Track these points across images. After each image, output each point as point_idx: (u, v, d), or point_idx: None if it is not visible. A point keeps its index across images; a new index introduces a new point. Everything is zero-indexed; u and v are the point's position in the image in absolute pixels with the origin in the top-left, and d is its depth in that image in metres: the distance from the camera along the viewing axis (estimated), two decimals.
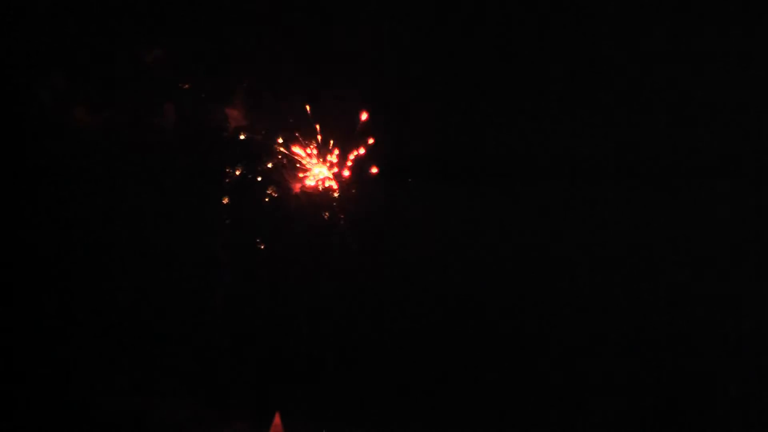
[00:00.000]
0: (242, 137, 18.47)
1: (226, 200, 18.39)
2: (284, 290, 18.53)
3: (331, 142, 18.61)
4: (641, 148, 18.22)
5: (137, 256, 18.17)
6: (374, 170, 18.29)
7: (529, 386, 17.84)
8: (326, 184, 18.72)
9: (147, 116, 18.27)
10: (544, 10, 18.32)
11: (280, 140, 18.56)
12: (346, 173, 18.67)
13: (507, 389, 17.83)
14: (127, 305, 18.06)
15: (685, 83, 18.10)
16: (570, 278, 18.22)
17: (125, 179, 18.24)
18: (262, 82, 18.51)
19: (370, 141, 18.53)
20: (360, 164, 18.62)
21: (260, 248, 18.57)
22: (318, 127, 18.54)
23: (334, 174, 18.68)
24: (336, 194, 18.64)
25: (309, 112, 18.36)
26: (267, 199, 18.50)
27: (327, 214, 18.62)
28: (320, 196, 18.66)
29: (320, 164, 18.67)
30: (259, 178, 18.55)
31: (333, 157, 18.66)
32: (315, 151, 18.66)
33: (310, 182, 18.67)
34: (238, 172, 18.29)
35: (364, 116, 18.28)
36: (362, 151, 18.55)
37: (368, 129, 18.50)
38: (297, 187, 18.65)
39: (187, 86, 18.32)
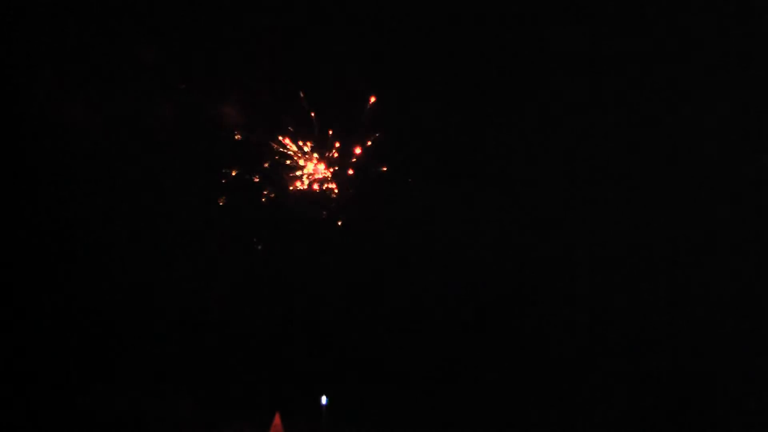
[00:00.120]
0: (240, 136, 18.44)
1: (221, 201, 18.37)
2: (284, 290, 18.53)
3: (330, 140, 18.62)
4: (641, 148, 18.22)
5: (137, 256, 18.17)
6: (383, 169, 18.27)
7: (529, 386, 17.84)
8: (325, 183, 18.71)
9: (143, 115, 18.24)
10: (544, 9, 18.32)
11: (279, 138, 18.54)
12: (347, 172, 18.67)
13: (507, 389, 17.83)
14: (127, 305, 18.05)
15: (685, 83, 18.11)
16: (570, 278, 18.22)
17: (123, 179, 18.24)
18: (261, 80, 18.49)
19: (369, 143, 18.53)
20: (360, 164, 18.62)
21: (259, 248, 18.57)
22: (317, 126, 18.54)
23: (332, 172, 18.67)
24: (335, 193, 18.63)
25: (309, 112, 18.36)
26: (264, 199, 18.48)
27: (325, 213, 18.61)
28: (319, 195, 18.66)
29: (319, 163, 18.66)
30: (257, 179, 18.54)
31: (332, 155, 18.64)
32: (313, 150, 18.65)
33: (308, 181, 18.66)
34: (234, 173, 18.26)
35: (372, 99, 18.25)
36: (358, 151, 18.55)
37: (368, 129, 18.51)
38: (295, 186, 18.64)
39: (183, 85, 18.28)
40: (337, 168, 18.64)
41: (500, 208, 18.40)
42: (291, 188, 18.47)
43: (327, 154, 18.62)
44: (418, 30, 18.48)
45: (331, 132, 18.49)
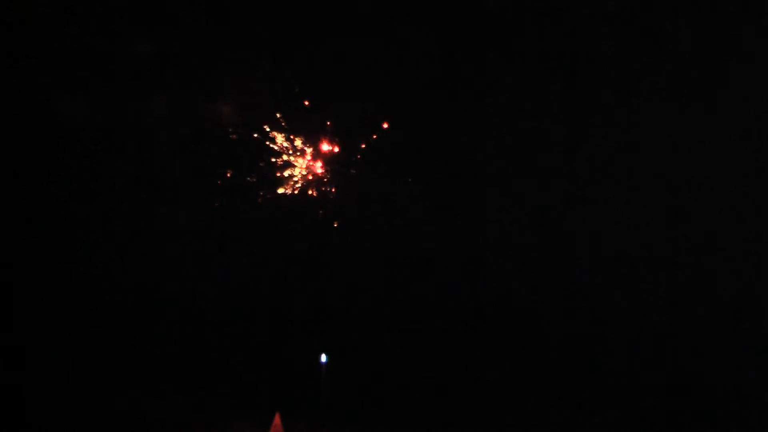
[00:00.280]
0: (236, 136, 18.41)
1: (217, 203, 18.36)
2: (284, 290, 18.52)
3: (331, 139, 18.60)
4: (641, 148, 18.22)
5: (137, 256, 18.16)
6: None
7: (529, 386, 17.84)
8: (324, 183, 18.70)
9: (138, 113, 18.20)
10: (544, 9, 18.32)
11: (275, 137, 18.52)
12: (345, 170, 18.65)
13: (507, 389, 17.82)
14: (127, 305, 18.05)
15: (685, 83, 18.11)
16: (570, 278, 18.22)
17: (121, 178, 18.22)
18: (260, 79, 18.48)
19: (367, 141, 18.53)
20: (359, 163, 18.61)
21: (258, 248, 18.56)
22: (315, 125, 18.53)
23: (331, 171, 18.66)
24: (331, 194, 18.62)
25: (306, 109, 18.33)
26: (260, 201, 18.45)
27: (323, 212, 18.59)
28: (317, 194, 18.65)
29: (314, 161, 18.63)
30: (254, 178, 18.51)
31: (332, 150, 18.61)
32: (312, 149, 18.63)
33: (306, 180, 18.64)
34: (228, 175, 18.23)
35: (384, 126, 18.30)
36: (362, 146, 18.55)
37: (368, 126, 18.50)
38: (292, 185, 18.61)
39: (179, 82, 18.22)
40: (333, 167, 18.60)
41: (500, 208, 18.40)
42: (283, 189, 18.42)
43: (323, 151, 18.55)
44: (417, 29, 18.48)
45: (329, 123, 18.44)
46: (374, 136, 18.37)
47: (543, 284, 18.28)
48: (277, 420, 16.96)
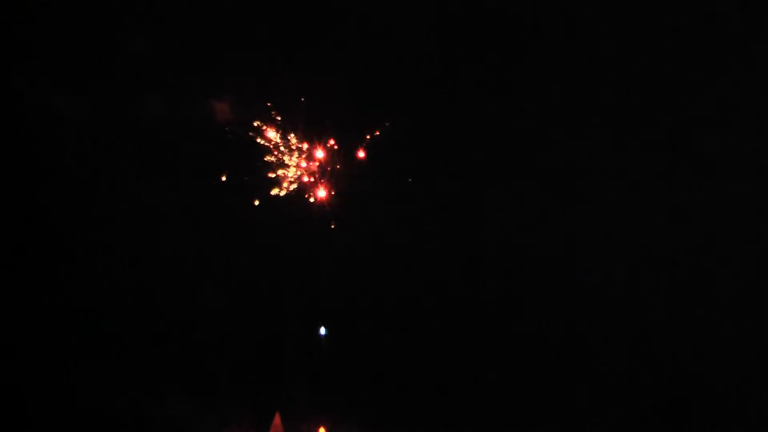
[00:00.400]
0: (233, 135, 18.39)
1: (220, 200, 18.36)
2: (284, 290, 18.52)
3: (329, 138, 18.59)
4: (641, 148, 18.22)
5: (137, 256, 18.16)
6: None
7: (529, 386, 17.84)
8: (323, 182, 18.69)
9: (133, 112, 18.18)
10: (544, 10, 18.31)
11: (273, 136, 18.50)
12: (342, 169, 18.65)
13: (507, 389, 17.82)
14: (127, 305, 18.04)
15: (685, 83, 18.10)
16: (570, 278, 18.21)
17: (121, 178, 18.22)
18: (258, 78, 18.47)
19: (367, 141, 18.52)
20: (360, 162, 18.61)
21: (258, 248, 18.55)
22: (314, 124, 18.52)
23: (331, 170, 18.65)
24: (332, 193, 18.62)
25: (305, 109, 18.33)
26: (257, 201, 18.43)
27: (321, 213, 18.58)
28: (317, 194, 18.64)
29: (308, 160, 18.61)
30: (251, 178, 18.50)
31: (330, 145, 18.60)
32: (311, 148, 18.62)
33: (304, 180, 18.63)
34: (224, 178, 18.21)
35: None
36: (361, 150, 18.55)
37: (368, 127, 18.50)
38: (290, 185, 18.60)
39: (175, 81, 18.19)
40: (330, 167, 18.59)
41: (500, 207, 18.39)
42: (277, 190, 18.39)
43: (318, 150, 18.52)
44: (417, 29, 18.47)
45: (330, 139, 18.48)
46: (376, 132, 18.37)
47: (543, 284, 18.27)
48: (277, 420, 16.98)
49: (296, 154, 18.48)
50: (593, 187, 18.21)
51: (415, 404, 17.89)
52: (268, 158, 18.40)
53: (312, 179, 18.54)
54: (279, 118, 18.33)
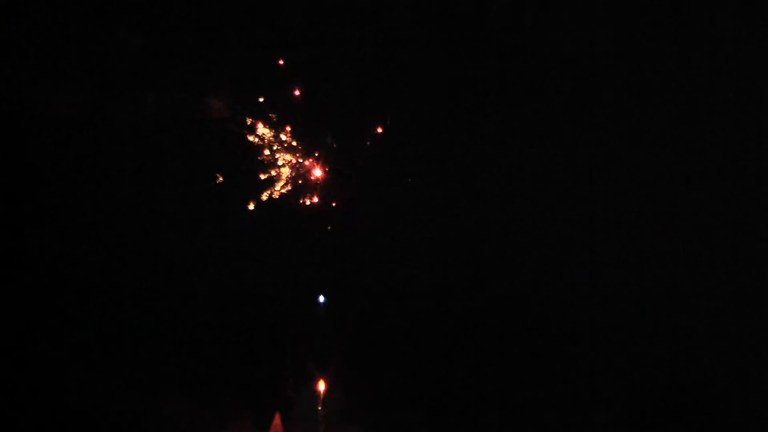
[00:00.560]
0: (231, 134, 18.37)
1: (218, 200, 18.36)
2: (284, 291, 18.53)
3: (329, 138, 18.61)
4: (641, 148, 18.23)
5: (137, 257, 18.16)
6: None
7: (529, 386, 17.84)
8: (323, 182, 18.70)
9: (129, 110, 18.17)
10: (544, 10, 18.32)
11: (271, 135, 18.49)
12: (345, 169, 18.67)
13: (507, 389, 17.83)
14: (127, 306, 18.05)
15: (685, 83, 18.12)
16: (570, 278, 18.22)
17: (121, 179, 18.23)
18: (259, 77, 18.46)
19: (370, 138, 18.53)
20: (359, 161, 18.62)
21: (258, 248, 18.56)
22: (313, 124, 18.51)
23: (330, 170, 18.65)
24: (332, 193, 18.62)
25: (304, 108, 18.32)
26: (254, 203, 18.43)
27: (321, 212, 18.58)
28: (316, 193, 18.65)
29: (315, 160, 18.62)
30: (250, 176, 18.50)
31: (330, 153, 18.61)
32: (309, 147, 18.62)
33: (303, 180, 18.63)
34: (221, 180, 18.21)
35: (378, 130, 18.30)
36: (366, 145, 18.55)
37: (367, 126, 18.50)
38: (289, 184, 18.60)
39: (170, 78, 18.16)
40: (329, 167, 18.58)
41: (500, 207, 18.40)
42: (269, 193, 18.38)
43: (324, 153, 18.55)
44: (418, 29, 18.48)
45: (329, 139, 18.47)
46: (378, 130, 18.36)
47: (543, 284, 18.28)
48: (277, 420, 16.99)
49: (291, 153, 18.49)
50: (593, 187, 18.22)
51: (415, 404, 17.89)
52: (261, 157, 18.42)
53: (308, 179, 18.58)
54: (273, 116, 18.35)
